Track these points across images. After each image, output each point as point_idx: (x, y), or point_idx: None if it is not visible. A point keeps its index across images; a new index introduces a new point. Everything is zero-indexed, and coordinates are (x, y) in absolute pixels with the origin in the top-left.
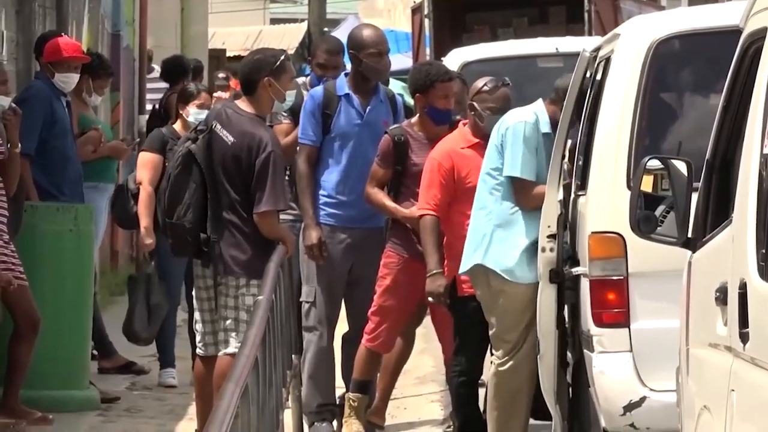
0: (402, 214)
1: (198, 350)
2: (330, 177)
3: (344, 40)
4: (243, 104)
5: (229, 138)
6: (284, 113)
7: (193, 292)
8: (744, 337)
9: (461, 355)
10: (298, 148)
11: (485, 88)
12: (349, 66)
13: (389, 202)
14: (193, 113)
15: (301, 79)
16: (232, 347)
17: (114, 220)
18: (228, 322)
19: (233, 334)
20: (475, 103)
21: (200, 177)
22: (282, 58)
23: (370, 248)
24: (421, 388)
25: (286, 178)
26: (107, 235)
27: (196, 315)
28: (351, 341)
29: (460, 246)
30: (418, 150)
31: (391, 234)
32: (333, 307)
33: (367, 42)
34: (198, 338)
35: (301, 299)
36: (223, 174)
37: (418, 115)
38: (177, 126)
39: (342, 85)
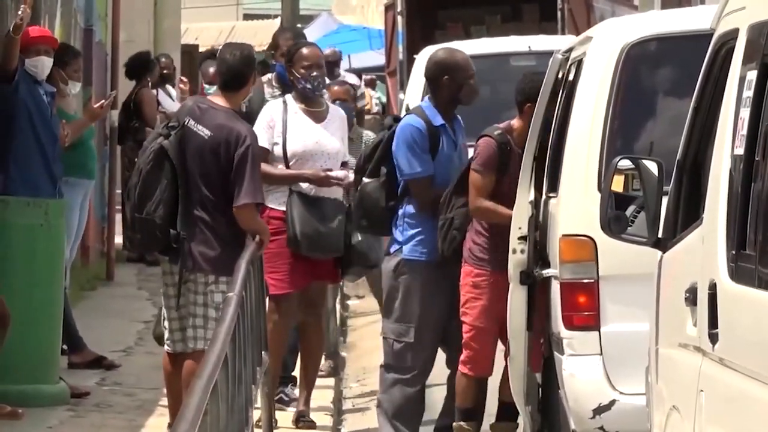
0: None
1: (166, 347)
2: (415, 211)
3: (316, 36)
4: (217, 99)
5: (206, 132)
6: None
7: (161, 289)
8: (713, 338)
9: None
10: (409, 185)
11: None
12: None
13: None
14: None
15: (266, 77)
16: (201, 344)
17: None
18: (197, 319)
19: (202, 331)
20: None
21: (172, 173)
22: None
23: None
24: None
25: None
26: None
27: (164, 312)
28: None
29: None
30: (516, 159)
31: (473, 248)
32: (433, 348)
33: (463, 65)
34: (166, 335)
35: (384, 335)
36: (198, 169)
37: (519, 122)
38: None
39: (433, 114)
